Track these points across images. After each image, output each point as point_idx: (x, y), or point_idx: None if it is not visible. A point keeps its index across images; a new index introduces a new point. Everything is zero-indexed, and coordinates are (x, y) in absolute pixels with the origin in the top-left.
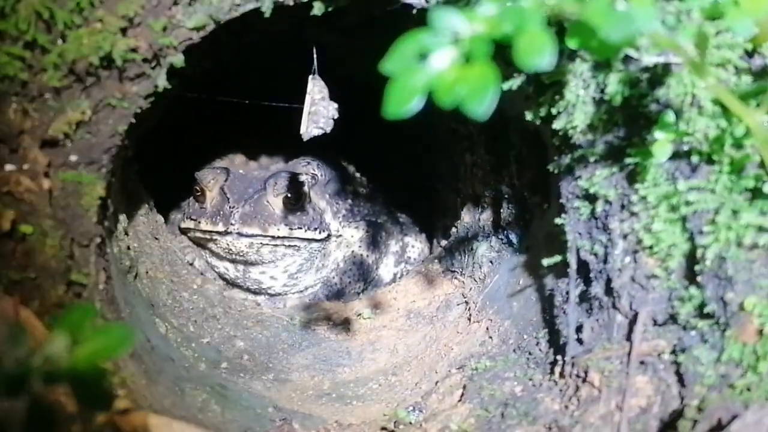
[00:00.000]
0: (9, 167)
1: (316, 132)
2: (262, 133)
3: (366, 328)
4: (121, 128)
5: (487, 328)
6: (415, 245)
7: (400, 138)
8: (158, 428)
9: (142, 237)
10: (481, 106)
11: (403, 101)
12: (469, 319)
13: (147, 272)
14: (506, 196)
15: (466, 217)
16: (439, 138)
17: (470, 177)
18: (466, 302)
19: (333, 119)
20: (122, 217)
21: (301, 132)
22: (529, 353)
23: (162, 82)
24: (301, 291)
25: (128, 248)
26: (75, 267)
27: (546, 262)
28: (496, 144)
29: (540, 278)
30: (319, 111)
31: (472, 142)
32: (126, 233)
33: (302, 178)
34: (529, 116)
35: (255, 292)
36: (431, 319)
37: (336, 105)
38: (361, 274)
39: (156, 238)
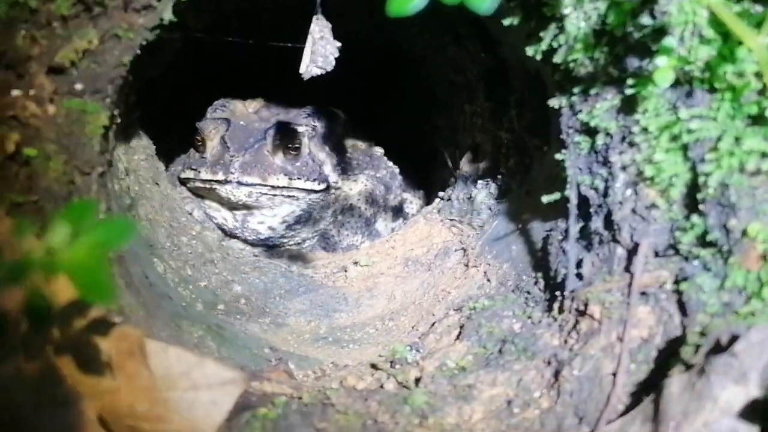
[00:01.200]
0: (15, 92)
1: (316, 71)
2: (263, 85)
3: (363, 276)
4: (126, 59)
5: (485, 272)
6: (414, 201)
7: (399, 94)
8: (154, 352)
9: (142, 181)
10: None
11: None
12: (467, 265)
13: (147, 215)
14: (505, 141)
15: (465, 166)
16: (438, 92)
17: (469, 127)
18: (464, 249)
19: (333, 58)
20: (124, 157)
21: (301, 71)
22: (528, 292)
23: (168, 15)
24: (299, 243)
25: (128, 188)
26: (77, 193)
27: (546, 199)
28: (495, 90)
29: (539, 219)
30: (319, 50)
31: (471, 90)
32: (127, 173)
33: (302, 129)
34: (530, 51)
35: (253, 243)
36: (429, 266)
37: (337, 44)
38: (359, 228)
39: (156, 184)
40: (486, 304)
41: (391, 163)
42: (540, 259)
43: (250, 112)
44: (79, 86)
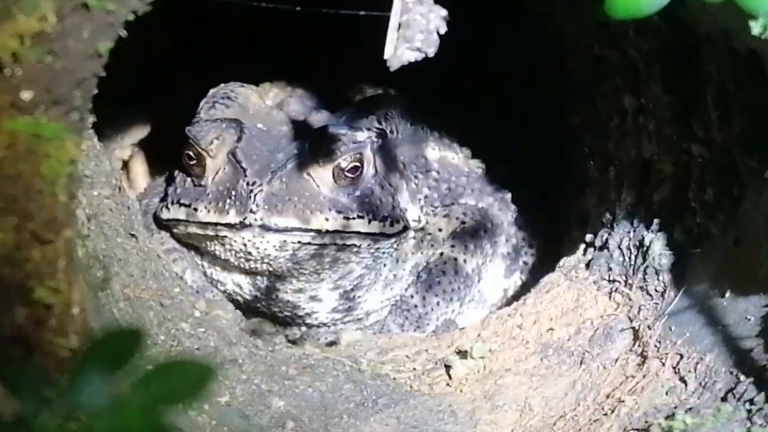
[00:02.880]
0: None
1: (411, 55)
2: (295, 63)
3: (477, 374)
4: (102, 46)
5: (676, 367)
6: (535, 245)
7: (508, 80)
8: None
9: (110, 233)
10: None
11: None
12: (643, 355)
13: (124, 290)
14: (699, 160)
15: (628, 195)
16: (575, 73)
17: (633, 132)
18: (636, 329)
19: (437, 35)
20: (82, 197)
21: (386, 56)
22: (751, 402)
23: None
24: (360, 319)
25: (95, 250)
26: (36, 278)
27: None
28: (680, 78)
29: (758, 284)
30: (414, 22)
31: (633, 75)
32: (88, 221)
33: (363, 137)
34: (756, 29)
35: (285, 322)
36: (581, 356)
37: (444, 11)
38: (454, 290)
39: (132, 236)
40: (689, 424)
41: (499, 184)
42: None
43: (269, 107)
44: (26, 95)
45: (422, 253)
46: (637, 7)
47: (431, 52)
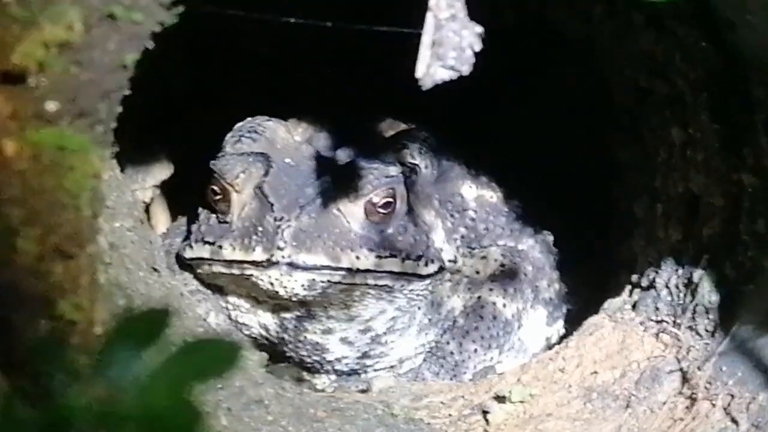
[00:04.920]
0: None
1: (445, 74)
2: (324, 98)
3: (517, 420)
4: (129, 58)
5: (727, 408)
6: (580, 290)
7: (550, 113)
8: None
9: (131, 266)
10: None
11: None
12: (693, 397)
13: None
14: (749, 189)
15: (676, 232)
16: (619, 107)
17: (680, 165)
18: (685, 370)
19: (472, 53)
20: (105, 224)
21: (418, 74)
22: None
23: None
24: (393, 366)
25: (117, 280)
26: (58, 292)
27: None
28: (728, 106)
29: None
30: (447, 38)
31: (682, 107)
32: (110, 249)
33: (395, 170)
34: None
35: (314, 369)
36: (627, 399)
37: (479, 28)
38: (493, 337)
39: (155, 270)
40: None
41: (540, 225)
42: None
43: (298, 142)
44: (51, 105)
45: (459, 296)
46: None
47: (465, 70)
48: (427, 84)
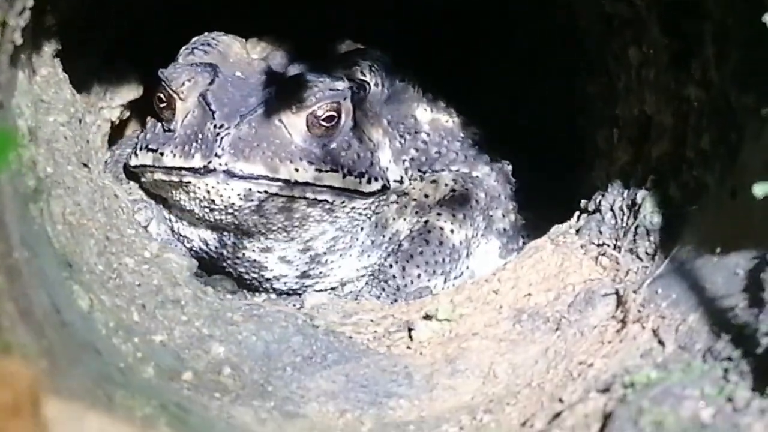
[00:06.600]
0: None
1: None
2: (287, 21)
3: (441, 337)
4: None
5: (656, 330)
6: (538, 223)
7: (511, 40)
8: (61, 417)
9: (60, 159)
10: None
11: None
12: (624, 321)
13: (66, 215)
14: (696, 104)
15: (624, 153)
16: (588, 39)
17: (636, 87)
18: (620, 293)
19: None
20: (27, 110)
21: None
22: (729, 359)
23: None
24: (334, 288)
25: (32, 162)
26: None
27: (760, 191)
28: (678, 18)
29: (752, 237)
30: None
31: (641, 26)
32: (31, 137)
33: (342, 85)
34: None
35: (252, 287)
36: (558, 322)
37: None
38: (438, 262)
39: (85, 165)
40: (653, 378)
41: (498, 152)
42: (752, 305)
43: (252, 59)
44: None
45: (405, 220)
46: None
47: None
48: None
